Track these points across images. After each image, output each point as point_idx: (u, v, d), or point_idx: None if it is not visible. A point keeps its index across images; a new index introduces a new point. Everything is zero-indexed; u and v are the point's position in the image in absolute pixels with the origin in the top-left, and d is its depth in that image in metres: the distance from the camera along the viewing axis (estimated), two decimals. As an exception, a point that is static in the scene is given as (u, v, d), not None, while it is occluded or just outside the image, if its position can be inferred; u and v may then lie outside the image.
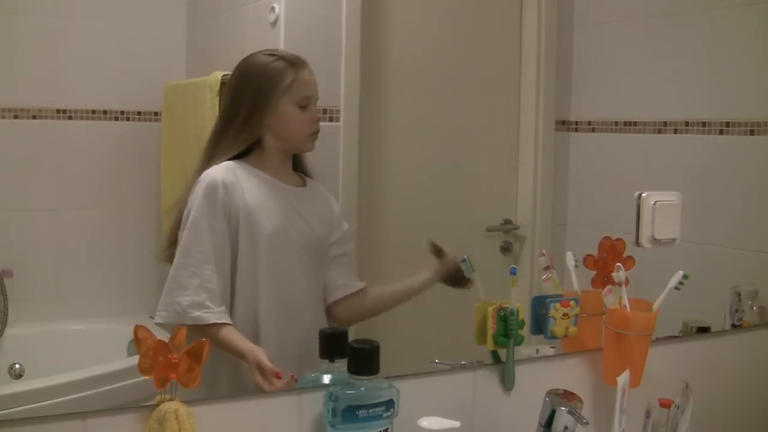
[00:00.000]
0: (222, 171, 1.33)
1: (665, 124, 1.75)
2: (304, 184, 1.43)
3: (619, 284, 1.41)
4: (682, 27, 1.77)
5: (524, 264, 1.70)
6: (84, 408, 1.10)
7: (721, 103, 1.73)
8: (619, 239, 1.48)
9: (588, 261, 1.49)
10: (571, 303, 1.41)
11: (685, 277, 1.39)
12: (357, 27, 1.48)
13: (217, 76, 1.42)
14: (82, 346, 1.44)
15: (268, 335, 1.33)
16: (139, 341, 1.06)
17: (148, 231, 1.50)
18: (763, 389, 1.71)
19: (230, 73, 1.43)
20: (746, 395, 1.69)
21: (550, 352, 1.47)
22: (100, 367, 1.36)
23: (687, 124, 1.74)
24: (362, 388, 1.16)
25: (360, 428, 1.15)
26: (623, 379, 1.32)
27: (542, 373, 1.43)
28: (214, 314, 1.28)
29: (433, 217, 1.63)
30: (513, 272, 1.36)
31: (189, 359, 1.08)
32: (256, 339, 1.31)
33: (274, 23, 1.44)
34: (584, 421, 1.24)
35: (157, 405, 1.08)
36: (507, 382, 1.39)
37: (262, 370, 1.23)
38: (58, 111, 1.41)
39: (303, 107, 1.36)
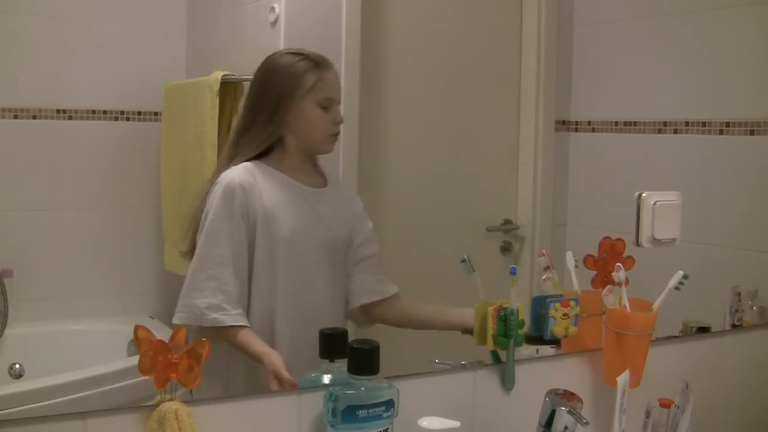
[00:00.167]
0: (240, 172, 1.33)
1: (665, 124, 1.75)
2: (325, 185, 1.44)
3: (619, 284, 1.41)
4: (682, 27, 1.76)
5: (524, 264, 1.70)
6: (84, 408, 1.10)
7: (721, 103, 1.73)
8: (619, 239, 1.48)
9: (588, 261, 1.49)
10: (571, 303, 1.41)
11: (685, 277, 1.39)
12: (357, 27, 1.48)
13: (217, 76, 1.42)
14: (82, 346, 1.45)
15: (283, 336, 1.34)
16: (139, 341, 1.06)
17: (148, 231, 1.50)
18: (763, 389, 1.71)
19: (230, 73, 1.44)
20: (746, 395, 1.69)
21: (550, 352, 1.47)
22: (100, 367, 1.36)
23: (687, 124, 1.74)
24: (362, 388, 1.16)
25: (360, 428, 1.15)
26: (623, 379, 1.32)
27: (542, 373, 1.43)
28: (231, 317, 1.30)
29: (433, 217, 1.63)
30: (513, 272, 1.36)
31: (189, 359, 1.08)
32: (271, 339, 1.33)
33: (274, 23, 1.45)
34: (584, 421, 1.24)
35: (157, 405, 1.08)
36: (507, 382, 1.39)
37: (278, 380, 1.24)
38: (58, 111, 1.41)
39: (325, 108, 1.37)
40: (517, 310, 1.35)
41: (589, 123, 1.79)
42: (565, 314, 1.41)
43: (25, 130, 1.39)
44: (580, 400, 1.27)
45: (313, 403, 1.20)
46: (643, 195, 1.49)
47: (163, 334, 1.08)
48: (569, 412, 1.24)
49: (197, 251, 1.31)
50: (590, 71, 1.78)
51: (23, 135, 1.39)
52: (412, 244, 1.58)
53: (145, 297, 1.50)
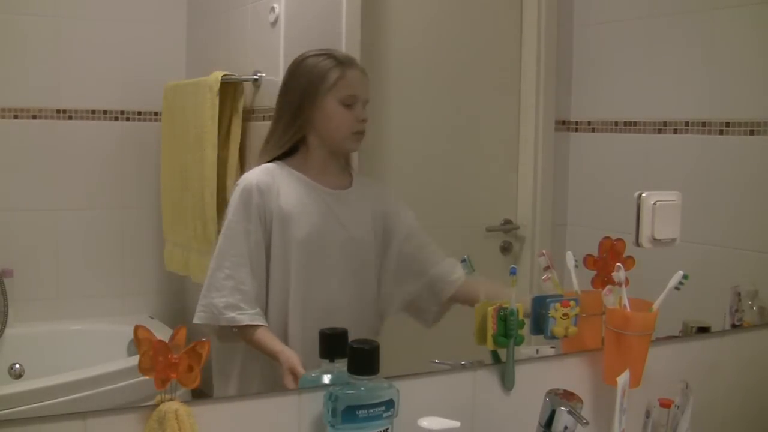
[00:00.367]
0: (258, 174, 1.36)
1: (665, 124, 1.75)
2: (350, 185, 1.44)
3: (619, 284, 1.41)
4: (682, 27, 1.76)
5: (524, 264, 1.70)
6: (84, 408, 1.10)
7: (721, 103, 1.73)
8: (619, 239, 1.48)
9: (588, 261, 1.49)
10: (571, 303, 1.41)
11: (685, 277, 1.39)
12: (357, 27, 1.48)
13: (217, 76, 1.42)
14: (82, 346, 1.44)
15: (295, 336, 1.35)
16: (139, 341, 1.06)
17: (148, 231, 1.50)
18: (763, 389, 1.71)
19: (230, 73, 1.44)
20: (746, 395, 1.69)
21: (550, 352, 1.47)
22: (100, 367, 1.36)
23: (687, 124, 1.74)
24: (362, 388, 1.16)
25: (360, 428, 1.15)
26: (623, 379, 1.32)
27: (542, 373, 1.43)
28: (248, 316, 1.32)
29: (433, 217, 1.63)
30: (513, 272, 1.36)
31: (189, 359, 1.08)
32: (284, 340, 1.34)
33: (274, 23, 1.45)
34: (584, 421, 1.24)
35: (157, 405, 1.08)
36: (507, 382, 1.39)
37: (294, 375, 1.27)
38: (58, 111, 1.41)
39: (348, 105, 1.38)
40: (517, 310, 1.35)
41: (589, 123, 1.79)
42: (565, 314, 1.41)
43: (25, 130, 1.39)
44: (580, 400, 1.27)
45: (313, 403, 1.20)
46: (643, 195, 1.49)
47: (163, 334, 1.08)
48: (569, 412, 1.24)
49: (216, 251, 1.34)
50: (590, 71, 1.78)
51: (23, 135, 1.39)
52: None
53: (145, 297, 1.50)
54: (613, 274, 1.41)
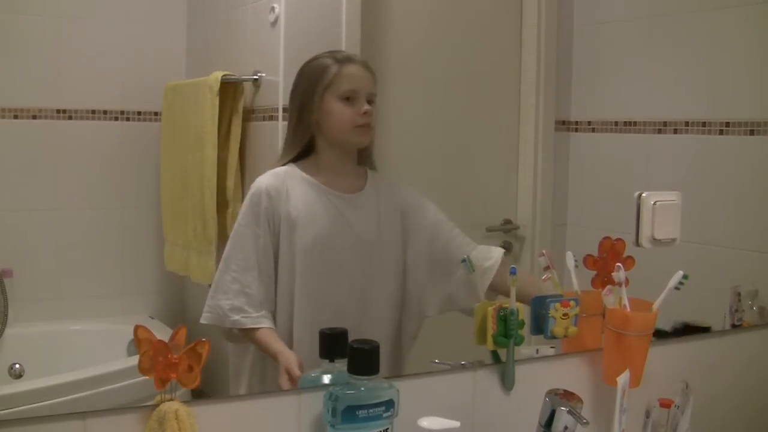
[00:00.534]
0: (269, 178, 1.38)
1: (665, 124, 1.75)
2: (363, 187, 1.44)
3: (619, 284, 1.41)
4: (682, 27, 1.76)
5: (524, 264, 1.70)
6: (84, 408, 1.10)
7: (721, 103, 1.73)
8: (619, 239, 1.48)
9: (588, 261, 1.49)
10: (571, 303, 1.41)
11: (685, 277, 1.39)
12: (357, 27, 1.48)
13: (217, 76, 1.42)
14: (82, 346, 1.44)
15: (302, 341, 1.35)
16: (139, 341, 1.06)
17: (148, 231, 1.50)
18: (763, 389, 1.71)
19: (230, 73, 1.44)
20: (746, 395, 1.69)
21: (550, 352, 1.47)
22: (100, 367, 1.36)
23: (687, 124, 1.74)
24: (362, 388, 1.16)
25: (360, 428, 1.15)
26: (623, 379, 1.32)
27: (542, 373, 1.43)
28: (251, 319, 1.34)
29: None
30: (513, 272, 1.36)
31: (189, 359, 1.08)
32: (290, 343, 1.35)
33: (274, 23, 1.45)
34: (584, 421, 1.24)
35: (157, 405, 1.08)
36: (507, 382, 1.39)
37: (289, 375, 1.28)
38: (58, 111, 1.41)
39: (348, 100, 1.38)
40: (517, 310, 1.35)
41: (589, 123, 1.79)
42: (565, 314, 1.41)
43: (25, 130, 1.39)
44: (580, 400, 1.27)
45: (313, 403, 1.20)
46: (643, 195, 1.49)
47: (163, 334, 1.08)
48: (569, 412, 1.24)
49: (224, 254, 1.36)
50: (590, 71, 1.78)
51: (23, 135, 1.39)
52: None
53: (145, 297, 1.50)
54: (613, 274, 1.41)
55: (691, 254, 1.62)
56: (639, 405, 1.41)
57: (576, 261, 1.48)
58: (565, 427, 1.25)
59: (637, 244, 1.49)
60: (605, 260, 1.47)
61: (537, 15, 1.71)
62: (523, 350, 1.43)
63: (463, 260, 1.40)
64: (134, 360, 1.06)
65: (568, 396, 1.27)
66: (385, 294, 1.45)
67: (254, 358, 1.38)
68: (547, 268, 1.47)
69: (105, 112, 1.44)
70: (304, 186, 1.39)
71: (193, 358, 1.08)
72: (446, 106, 1.66)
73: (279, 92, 1.44)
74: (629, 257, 1.47)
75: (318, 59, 1.39)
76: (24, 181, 1.40)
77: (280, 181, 1.38)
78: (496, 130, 1.73)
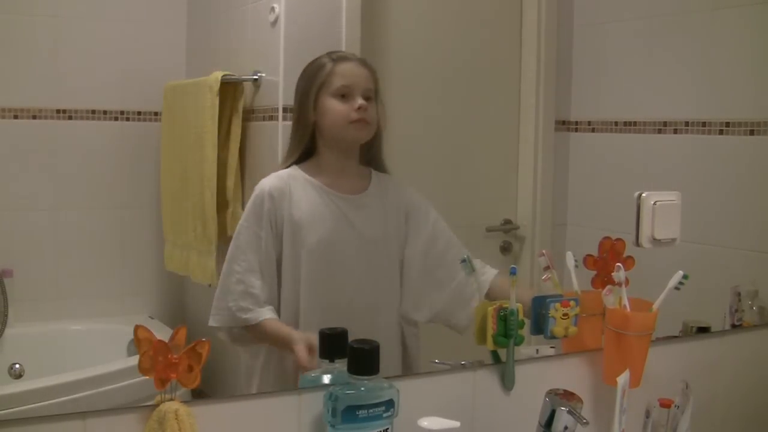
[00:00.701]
0: (272, 181, 1.38)
1: (665, 124, 1.75)
2: (366, 188, 1.44)
3: (619, 284, 1.41)
4: (682, 27, 1.76)
5: (524, 264, 1.70)
6: (84, 408, 1.10)
7: (721, 103, 1.73)
8: (619, 239, 1.48)
9: (588, 261, 1.49)
10: (571, 303, 1.41)
11: (685, 277, 1.39)
12: (357, 27, 1.48)
13: (217, 76, 1.42)
14: (82, 346, 1.44)
15: None
16: (139, 341, 1.06)
17: (148, 231, 1.50)
18: (763, 389, 1.71)
19: (230, 73, 1.44)
20: (746, 395, 1.69)
21: (550, 352, 1.47)
22: (100, 367, 1.36)
23: (687, 124, 1.74)
24: (362, 388, 1.16)
25: (360, 428, 1.15)
26: (623, 379, 1.32)
27: (542, 373, 1.43)
28: (258, 313, 1.35)
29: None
30: (513, 272, 1.36)
31: (189, 359, 1.08)
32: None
33: (274, 23, 1.45)
34: (584, 421, 1.24)
35: (157, 405, 1.08)
36: (507, 382, 1.39)
37: (311, 348, 1.28)
38: (58, 111, 1.41)
39: (342, 96, 1.38)
40: (517, 310, 1.35)
41: (589, 123, 1.79)
42: (565, 314, 1.41)
43: (25, 130, 1.39)
44: (580, 400, 1.27)
45: (313, 403, 1.20)
46: (643, 195, 1.49)
47: (163, 334, 1.08)
48: (569, 412, 1.24)
49: (227, 256, 1.36)
50: (590, 71, 1.78)
51: (23, 135, 1.39)
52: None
53: (145, 297, 1.50)
54: (613, 274, 1.41)
55: (691, 254, 1.62)
56: (639, 405, 1.41)
57: (576, 261, 1.48)
58: (565, 427, 1.25)
59: (637, 244, 1.48)
60: (605, 260, 1.47)
61: (537, 15, 1.71)
62: (523, 350, 1.43)
63: (463, 260, 1.40)
64: (134, 360, 1.06)
65: (568, 396, 1.27)
66: (390, 294, 1.45)
67: (266, 359, 1.38)
68: (547, 268, 1.47)
69: (105, 112, 1.44)
70: (308, 188, 1.39)
71: (193, 358, 1.08)
72: (446, 106, 1.66)
73: (279, 92, 1.44)
74: (629, 257, 1.47)
75: (316, 60, 1.40)
76: (24, 181, 1.41)
77: (283, 183, 1.38)
78: (496, 130, 1.73)
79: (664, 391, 1.43)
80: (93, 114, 1.44)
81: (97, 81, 1.44)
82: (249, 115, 1.46)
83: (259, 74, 1.46)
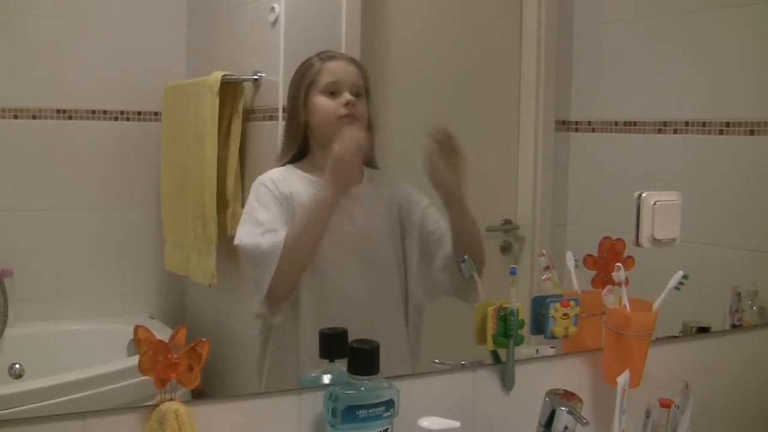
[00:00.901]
0: (270, 173, 1.40)
1: (665, 124, 1.75)
2: (360, 181, 1.45)
3: (619, 284, 1.41)
4: (682, 27, 1.76)
5: (524, 264, 1.70)
6: (84, 408, 1.10)
7: (721, 103, 1.73)
8: (619, 239, 1.48)
9: (588, 261, 1.49)
10: (571, 303, 1.41)
11: (685, 277, 1.39)
12: (357, 27, 1.48)
13: (217, 76, 1.42)
14: (82, 346, 1.44)
15: (307, 335, 1.35)
16: (139, 341, 1.06)
17: (148, 231, 1.50)
18: (763, 389, 1.71)
19: (230, 73, 1.44)
20: (746, 395, 1.69)
21: (550, 352, 1.47)
22: (100, 367, 1.36)
23: (687, 124, 1.74)
24: (362, 388, 1.16)
25: (360, 428, 1.15)
26: (623, 379, 1.32)
27: (542, 373, 1.43)
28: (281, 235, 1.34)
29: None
30: (513, 272, 1.36)
31: (189, 359, 1.08)
32: (296, 337, 1.37)
33: (274, 23, 1.45)
34: (584, 421, 1.24)
35: (157, 405, 1.08)
36: (507, 382, 1.39)
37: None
38: (58, 111, 1.41)
39: (331, 93, 1.39)
40: (517, 310, 1.35)
41: (589, 123, 1.79)
42: (565, 314, 1.41)
43: (25, 130, 1.39)
44: (580, 400, 1.27)
45: (313, 403, 1.20)
46: (643, 195, 1.49)
47: (163, 334, 1.08)
48: (569, 412, 1.24)
49: (244, 212, 1.37)
50: (590, 71, 1.78)
51: (23, 135, 1.39)
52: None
53: (145, 297, 1.50)
54: (613, 274, 1.41)
55: (691, 254, 1.62)
56: (639, 405, 1.41)
57: (576, 261, 1.48)
58: (565, 427, 1.25)
59: (637, 244, 1.49)
60: (605, 260, 1.47)
61: (537, 15, 1.71)
62: (523, 350, 1.43)
63: (463, 260, 1.40)
64: (134, 360, 1.06)
65: (568, 396, 1.27)
66: (390, 286, 1.45)
67: (274, 350, 1.39)
68: (547, 268, 1.47)
69: (105, 112, 1.44)
70: (304, 182, 1.40)
71: (193, 358, 1.08)
72: (446, 106, 1.66)
73: (279, 92, 1.44)
74: (629, 257, 1.47)
75: (306, 61, 1.41)
76: (24, 181, 1.40)
77: (281, 176, 1.40)
78: (496, 130, 1.73)
79: (664, 391, 1.43)
80: (93, 114, 1.44)
81: (97, 81, 1.44)
82: (249, 115, 1.46)
83: (259, 74, 1.46)
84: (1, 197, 1.38)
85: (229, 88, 1.44)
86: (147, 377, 1.06)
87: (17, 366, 1.35)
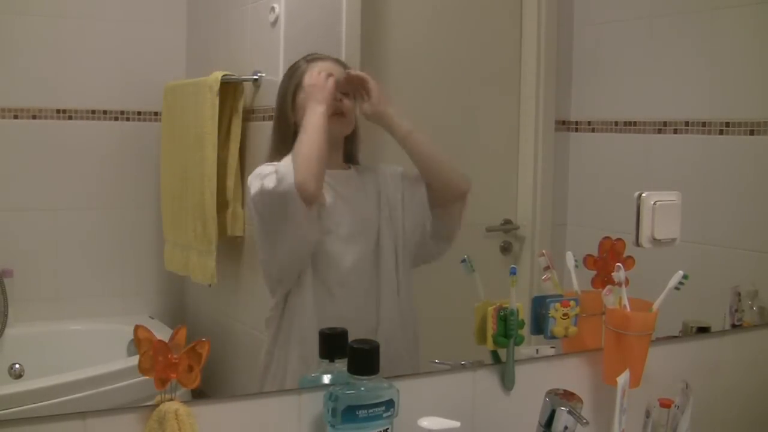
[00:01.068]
0: (265, 164, 1.40)
1: (665, 124, 1.75)
2: (348, 168, 1.48)
3: (619, 284, 1.41)
4: (682, 27, 1.77)
5: (524, 264, 1.70)
6: (84, 408, 1.10)
7: (721, 103, 1.73)
8: (619, 239, 1.48)
9: (588, 261, 1.49)
10: (571, 303, 1.42)
11: (685, 277, 1.39)
12: (357, 27, 1.48)
13: (217, 76, 1.42)
14: (82, 346, 1.44)
15: (306, 312, 1.38)
16: (139, 341, 1.06)
17: (148, 231, 1.50)
18: (763, 389, 1.71)
19: (230, 73, 1.44)
20: (746, 395, 1.69)
21: (550, 352, 1.47)
22: (100, 367, 1.36)
23: (687, 124, 1.74)
24: (362, 388, 1.16)
25: (360, 428, 1.15)
26: (623, 379, 1.32)
27: (542, 373, 1.43)
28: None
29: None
30: (513, 272, 1.36)
31: (189, 359, 1.08)
32: (297, 315, 1.39)
33: (274, 23, 1.45)
34: (584, 421, 1.24)
35: (157, 405, 1.08)
36: (507, 382, 1.39)
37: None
38: (58, 111, 1.41)
39: None
40: (517, 310, 1.35)
41: (589, 123, 1.79)
42: (565, 314, 1.41)
43: (25, 130, 1.39)
44: (580, 400, 1.27)
45: (313, 403, 1.20)
46: (643, 195, 1.49)
47: (163, 334, 1.08)
48: (569, 412, 1.24)
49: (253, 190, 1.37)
50: (590, 71, 1.78)
51: (23, 135, 1.39)
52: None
53: (145, 297, 1.50)
54: (613, 274, 1.41)
55: (691, 254, 1.62)
56: (639, 405, 1.41)
57: (576, 261, 1.49)
58: (565, 427, 1.25)
59: (637, 244, 1.49)
60: (605, 260, 1.47)
61: (537, 15, 1.71)
62: (523, 350, 1.43)
63: (463, 260, 1.40)
64: (134, 360, 1.06)
65: (568, 396, 1.27)
66: (387, 270, 1.46)
67: (278, 357, 1.40)
68: (547, 268, 1.47)
69: (105, 112, 1.44)
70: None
71: (193, 358, 1.08)
72: (446, 106, 1.66)
73: (279, 92, 1.44)
74: (629, 257, 1.47)
75: (293, 64, 1.42)
76: (24, 181, 1.41)
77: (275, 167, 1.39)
78: (496, 130, 1.73)
79: (664, 391, 1.43)
80: (93, 114, 1.44)
81: (97, 81, 1.44)
82: (249, 115, 1.46)
83: (259, 74, 1.46)
84: (1, 197, 1.38)
85: (229, 88, 1.45)
86: (147, 377, 1.07)
87: (17, 366, 1.35)
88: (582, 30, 1.77)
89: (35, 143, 1.41)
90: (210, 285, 1.44)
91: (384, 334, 1.39)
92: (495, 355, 1.39)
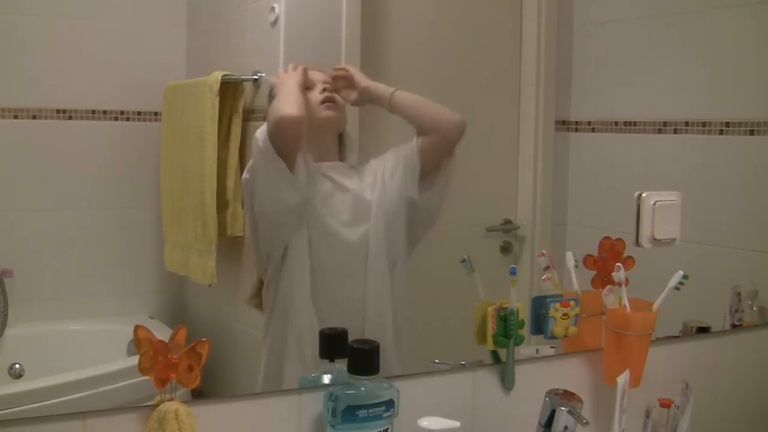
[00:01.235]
0: None
1: (665, 124, 1.75)
2: (345, 160, 1.49)
3: (619, 284, 1.41)
4: (682, 27, 1.77)
5: (524, 264, 1.70)
6: (84, 408, 1.10)
7: (721, 103, 1.73)
8: (619, 239, 1.48)
9: (588, 261, 1.49)
10: (571, 303, 1.42)
11: (685, 277, 1.39)
12: (357, 27, 1.48)
13: (217, 76, 1.42)
14: (82, 346, 1.44)
15: (304, 301, 1.39)
16: (139, 341, 1.06)
17: (148, 231, 1.50)
18: (763, 389, 1.71)
19: (230, 73, 1.44)
20: (746, 395, 1.69)
21: (550, 352, 1.47)
22: (100, 367, 1.36)
23: (687, 124, 1.74)
24: (362, 388, 1.16)
25: (360, 428, 1.15)
26: (623, 379, 1.32)
27: (542, 373, 1.43)
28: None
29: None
30: (513, 272, 1.36)
31: (189, 359, 1.08)
32: (295, 302, 1.40)
33: (274, 23, 1.45)
34: (584, 421, 1.24)
35: (157, 405, 1.08)
36: (507, 382, 1.39)
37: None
38: (58, 111, 1.41)
39: (307, 89, 1.41)
40: (517, 310, 1.35)
41: (589, 123, 1.79)
42: (565, 314, 1.41)
43: (25, 130, 1.39)
44: (580, 400, 1.27)
45: (313, 403, 1.20)
46: (643, 195, 1.49)
47: (163, 334, 1.08)
48: (569, 412, 1.24)
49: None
50: (590, 71, 1.78)
51: (23, 135, 1.39)
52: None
53: (145, 297, 1.50)
54: (613, 274, 1.41)
55: (691, 254, 1.62)
56: (639, 405, 1.41)
57: (576, 261, 1.49)
58: (565, 427, 1.25)
59: (637, 244, 1.49)
60: (605, 260, 1.47)
61: (537, 15, 1.71)
62: (523, 350, 1.43)
63: (463, 260, 1.40)
64: (134, 360, 1.06)
65: (568, 396, 1.27)
66: (378, 251, 1.46)
67: (269, 359, 1.41)
68: (547, 268, 1.47)
69: (105, 112, 1.44)
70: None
71: (193, 358, 1.08)
72: (446, 106, 1.66)
73: (279, 92, 1.44)
74: (629, 257, 1.47)
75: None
76: (24, 181, 1.41)
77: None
78: (496, 130, 1.73)
79: (664, 391, 1.43)
80: (93, 114, 1.44)
81: (97, 81, 1.44)
82: (249, 115, 1.46)
83: (259, 74, 1.46)
84: (1, 197, 1.38)
85: (229, 88, 1.45)
86: (147, 377, 1.07)
87: (17, 366, 1.35)
88: (582, 30, 1.77)
89: (35, 143, 1.41)
90: (210, 285, 1.44)
91: (372, 314, 1.41)
92: (495, 355, 1.39)
